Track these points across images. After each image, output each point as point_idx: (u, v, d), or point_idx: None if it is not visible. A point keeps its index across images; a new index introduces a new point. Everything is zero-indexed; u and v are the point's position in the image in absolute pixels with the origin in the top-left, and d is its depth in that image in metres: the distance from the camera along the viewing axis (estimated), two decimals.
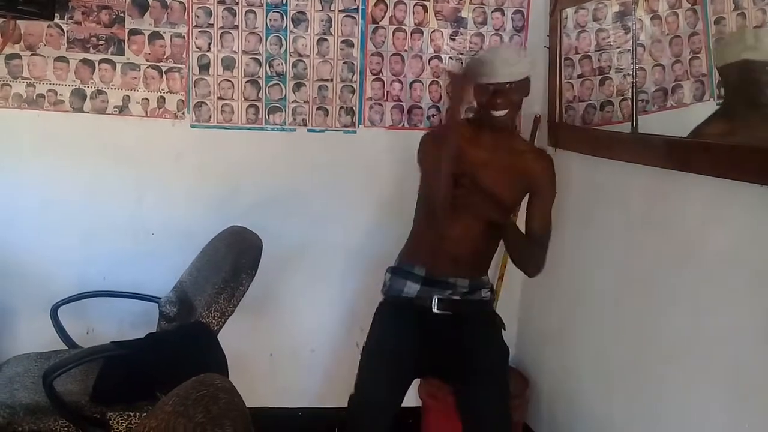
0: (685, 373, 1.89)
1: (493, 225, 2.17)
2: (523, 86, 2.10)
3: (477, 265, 2.27)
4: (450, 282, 2.21)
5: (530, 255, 2.22)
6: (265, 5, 2.69)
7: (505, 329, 2.32)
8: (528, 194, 2.21)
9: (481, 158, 2.14)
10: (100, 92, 2.65)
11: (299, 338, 2.94)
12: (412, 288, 2.22)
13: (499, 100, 2.05)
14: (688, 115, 2.06)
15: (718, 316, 1.77)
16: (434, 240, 2.19)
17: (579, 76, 2.57)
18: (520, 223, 2.24)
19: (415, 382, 2.55)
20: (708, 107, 2.00)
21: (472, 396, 2.13)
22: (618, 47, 2.40)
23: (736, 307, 1.70)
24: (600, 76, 2.49)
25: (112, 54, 2.64)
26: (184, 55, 2.68)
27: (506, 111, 2.07)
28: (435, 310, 2.20)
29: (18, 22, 2.52)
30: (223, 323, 2.13)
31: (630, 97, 2.22)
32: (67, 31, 2.60)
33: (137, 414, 1.99)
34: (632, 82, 2.20)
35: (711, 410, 1.78)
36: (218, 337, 2.16)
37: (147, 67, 2.67)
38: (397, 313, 2.25)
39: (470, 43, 2.84)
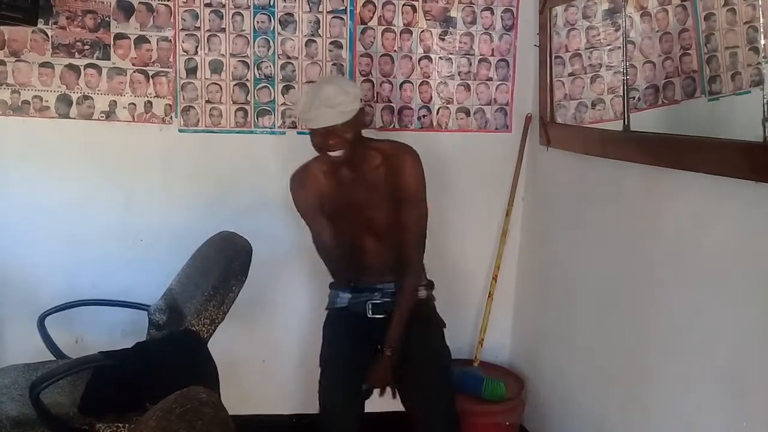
0: (681, 373, 1.88)
1: (396, 227, 2.24)
2: (354, 121, 2.10)
3: (397, 270, 2.29)
4: (378, 287, 2.31)
5: (409, 294, 2.27)
6: (252, 7, 2.66)
7: (445, 326, 2.36)
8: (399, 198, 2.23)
9: (354, 189, 2.22)
10: (86, 98, 2.62)
11: (292, 344, 2.92)
12: (343, 298, 2.34)
13: (330, 141, 2.07)
14: (680, 112, 2.05)
15: (713, 315, 1.75)
16: (358, 265, 2.31)
17: (570, 75, 2.55)
18: None
19: None
20: (699, 104, 1.98)
21: (413, 402, 2.22)
22: (608, 45, 2.38)
23: (731, 305, 1.69)
24: (591, 74, 2.47)
25: (97, 59, 2.61)
26: (171, 59, 2.65)
27: (341, 151, 2.09)
28: (369, 314, 2.29)
29: (1, 27, 2.49)
30: (213, 331, 2.10)
31: (621, 94, 2.21)
32: (51, 37, 2.57)
33: (126, 425, 1.96)
34: (623, 80, 2.18)
35: (708, 409, 1.77)
36: (210, 343, 2.14)
37: (133, 72, 2.64)
38: (336, 322, 2.36)
39: (460, 42, 2.82)
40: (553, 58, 2.61)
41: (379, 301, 2.30)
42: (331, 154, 2.10)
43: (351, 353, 2.23)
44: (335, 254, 2.32)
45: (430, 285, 2.40)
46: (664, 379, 1.95)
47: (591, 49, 2.46)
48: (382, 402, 2.23)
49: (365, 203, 2.23)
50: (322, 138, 2.08)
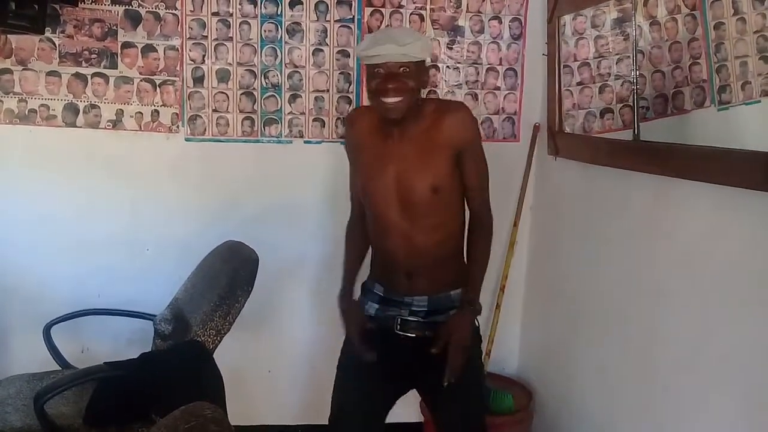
0: (692, 385, 1.85)
1: (442, 219, 1.99)
2: (418, 71, 1.88)
3: (436, 274, 2.01)
4: (406, 301, 2.02)
5: (485, 249, 2.04)
6: (259, 16, 2.66)
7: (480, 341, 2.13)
8: (456, 160, 1.97)
9: (392, 154, 1.95)
10: (93, 106, 2.62)
11: (298, 354, 2.90)
12: (371, 307, 2.08)
13: (390, 85, 1.83)
14: (689, 122, 2.03)
15: (725, 326, 1.73)
16: (385, 253, 2.05)
17: (578, 84, 2.54)
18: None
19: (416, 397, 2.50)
20: (709, 113, 1.97)
21: (444, 423, 2.05)
22: (617, 54, 2.37)
23: (743, 316, 1.66)
24: (599, 84, 2.46)
25: (104, 67, 2.61)
26: (178, 68, 2.65)
27: (399, 99, 1.84)
28: (396, 330, 2.02)
29: (8, 36, 2.50)
30: (219, 341, 2.09)
31: (630, 104, 2.19)
32: (58, 45, 2.57)
33: None
34: (633, 89, 2.16)
35: (723, 424, 1.74)
36: (216, 354, 2.12)
37: (140, 81, 2.64)
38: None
39: (467, 51, 2.81)
40: (561, 67, 2.60)
41: (408, 318, 2.02)
42: (387, 101, 1.84)
43: (375, 363, 1.98)
44: (359, 212, 2.12)
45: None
46: (676, 393, 1.93)
47: (599, 59, 2.45)
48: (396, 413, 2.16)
49: (403, 169, 1.94)
50: (382, 79, 1.83)
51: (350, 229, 2.19)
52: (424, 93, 2.11)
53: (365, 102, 2.72)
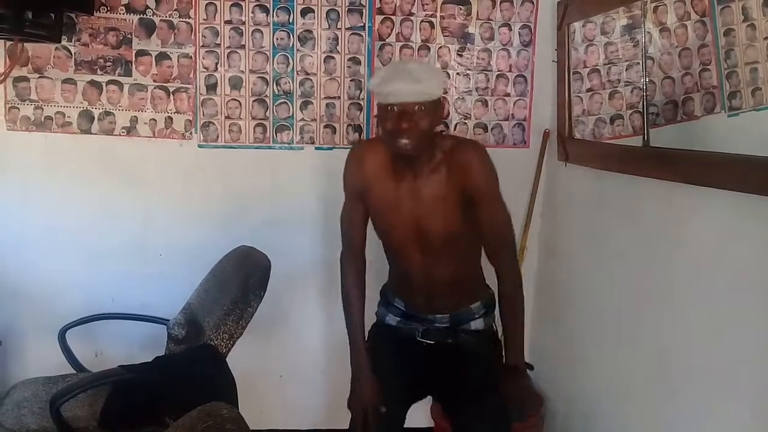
0: (705, 391, 1.85)
1: (460, 251, 1.97)
2: (434, 110, 1.81)
3: (456, 297, 2.03)
4: (429, 318, 2.04)
5: (516, 306, 1.99)
6: (271, 24, 2.69)
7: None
8: (470, 200, 1.90)
9: (406, 193, 1.91)
10: (107, 113, 2.65)
11: (309, 359, 2.91)
12: (393, 319, 2.11)
13: (404, 124, 1.75)
14: (699, 128, 2.04)
15: (735, 331, 1.73)
16: (403, 279, 2.07)
17: (588, 90, 2.55)
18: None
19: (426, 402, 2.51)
20: (719, 119, 1.97)
21: (464, 426, 1.98)
22: (627, 60, 2.38)
23: (754, 321, 1.66)
24: (609, 90, 2.47)
25: (119, 75, 2.64)
26: (191, 75, 2.68)
27: (413, 140, 1.78)
28: (419, 338, 2.04)
29: (25, 44, 2.53)
30: (232, 345, 2.11)
31: (640, 110, 2.20)
32: (74, 53, 2.61)
33: None
34: (643, 95, 2.17)
35: (731, 426, 1.74)
36: (228, 358, 2.14)
37: (154, 88, 2.67)
38: (382, 339, 2.13)
39: (477, 58, 2.82)
40: (571, 73, 2.61)
41: (434, 328, 2.04)
42: (401, 142, 1.78)
43: (397, 369, 2.01)
44: (355, 239, 2.06)
45: (487, 313, 2.08)
46: (687, 398, 1.92)
47: (609, 65, 2.46)
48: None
49: (419, 210, 1.91)
50: (396, 119, 1.77)
51: (346, 277, 2.09)
52: None
53: (376, 110, 2.76)
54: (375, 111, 2.76)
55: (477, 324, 2.05)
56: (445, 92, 2.79)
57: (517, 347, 1.97)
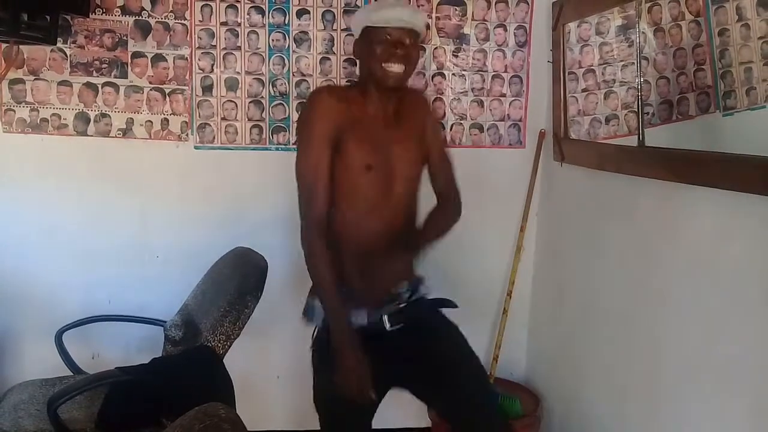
0: (701, 391, 1.86)
1: (414, 200, 1.97)
2: (417, 47, 1.86)
3: (409, 258, 1.94)
4: (394, 294, 1.92)
5: (452, 221, 2.02)
6: (267, 26, 2.69)
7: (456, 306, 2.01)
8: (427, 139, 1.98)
9: (384, 134, 1.87)
10: (103, 115, 2.65)
11: (306, 360, 2.89)
12: (360, 317, 1.88)
13: (399, 51, 1.78)
14: (694, 128, 2.04)
15: (731, 331, 1.73)
16: (363, 255, 1.86)
17: (583, 90, 2.56)
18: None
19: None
20: (714, 119, 1.98)
21: (458, 416, 1.92)
22: (621, 60, 2.39)
23: (749, 321, 1.67)
24: (604, 90, 2.48)
25: (115, 77, 2.64)
26: (187, 77, 2.68)
27: (403, 67, 1.80)
28: (388, 328, 1.90)
29: (21, 47, 2.53)
30: (229, 346, 2.11)
31: (636, 110, 2.21)
32: (70, 55, 2.61)
33: None
34: (638, 95, 2.18)
35: (727, 426, 1.75)
36: (225, 360, 2.14)
37: (150, 90, 2.67)
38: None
39: (473, 59, 2.83)
40: (566, 74, 2.62)
41: (397, 310, 1.91)
42: (392, 68, 1.78)
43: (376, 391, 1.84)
44: (320, 198, 1.84)
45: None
46: (683, 398, 1.93)
47: (604, 65, 2.46)
48: (399, 419, 2.13)
49: (397, 152, 1.88)
50: (391, 44, 1.78)
51: (319, 257, 1.84)
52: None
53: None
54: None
55: (425, 289, 2.01)
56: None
57: (425, 240, 1.91)
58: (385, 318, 1.90)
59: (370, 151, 1.85)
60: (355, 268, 1.88)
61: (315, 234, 1.84)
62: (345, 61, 2.75)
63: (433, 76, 2.82)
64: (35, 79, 2.60)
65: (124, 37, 2.62)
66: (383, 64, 1.80)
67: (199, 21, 2.66)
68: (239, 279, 2.19)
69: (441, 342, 1.96)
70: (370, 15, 1.83)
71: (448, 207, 2.07)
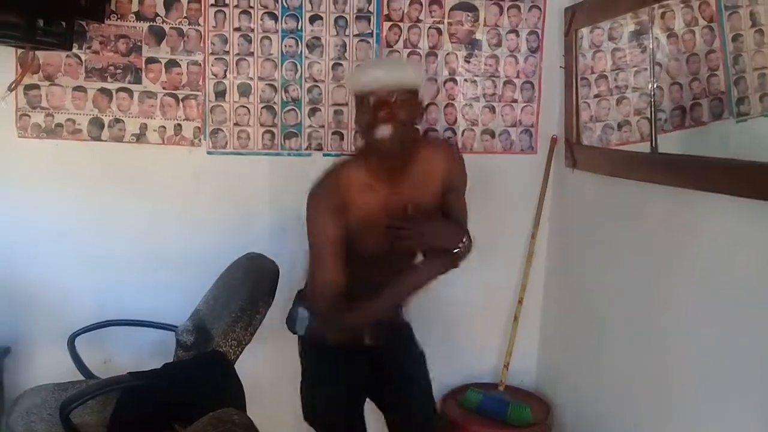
0: (713, 399, 1.85)
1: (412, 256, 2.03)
2: (411, 102, 1.79)
3: None
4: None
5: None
6: (280, 32, 2.70)
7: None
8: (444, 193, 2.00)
9: (388, 199, 1.88)
10: (117, 121, 2.67)
11: None
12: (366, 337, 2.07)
13: (381, 113, 1.72)
14: (707, 134, 2.03)
15: (743, 337, 1.72)
16: (364, 282, 1.89)
17: (595, 96, 2.55)
18: None
19: None
20: (727, 125, 1.97)
21: (400, 404, 2.15)
22: (634, 66, 2.38)
23: (762, 328, 1.66)
24: (617, 96, 2.47)
25: (129, 83, 2.65)
26: (200, 83, 2.69)
27: (391, 128, 1.73)
28: (368, 342, 2.06)
29: (36, 52, 2.54)
30: (240, 352, 2.11)
31: (648, 116, 2.20)
32: (85, 61, 2.62)
33: None
34: (651, 101, 2.17)
35: None
36: (236, 365, 2.14)
37: (164, 95, 2.68)
38: (327, 356, 2.12)
39: (485, 64, 2.83)
40: (578, 79, 2.61)
41: (378, 328, 2.05)
42: (378, 133, 1.74)
43: (347, 378, 2.07)
44: (339, 292, 1.88)
45: None
46: (697, 406, 1.92)
47: (617, 71, 2.46)
48: None
49: (414, 206, 1.90)
50: (373, 109, 1.73)
51: (336, 302, 1.89)
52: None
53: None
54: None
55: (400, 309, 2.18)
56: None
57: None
58: (365, 331, 2.06)
59: (371, 222, 1.88)
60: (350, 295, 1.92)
61: (332, 307, 1.90)
62: (357, 67, 2.76)
63: (444, 82, 2.82)
64: (50, 84, 2.62)
65: (139, 43, 2.64)
66: (371, 131, 1.76)
67: (213, 27, 2.67)
68: (251, 284, 2.20)
69: (405, 359, 2.17)
70: (354, 81, 1.83)
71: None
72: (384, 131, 1.74)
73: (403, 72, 1.79)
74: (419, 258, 2.02)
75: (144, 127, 2.68)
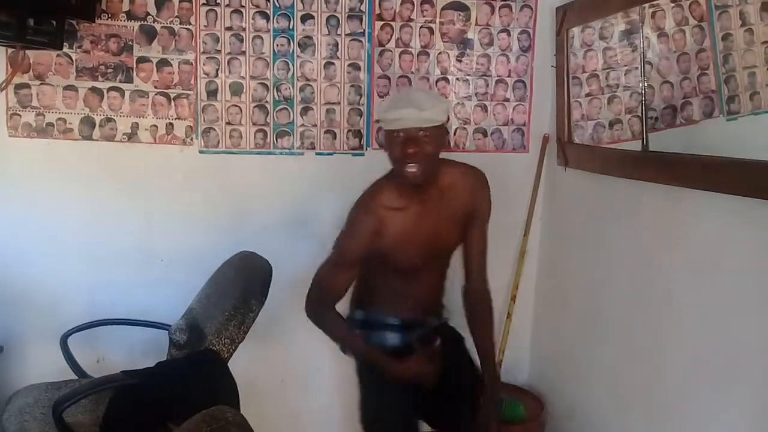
0: (704, 395, 1.86)
1: (450, 258, 2.21)
2: (438, 135, 1.94)
3: (441, 302, 2.28)
4: (425, 320, 2.21)
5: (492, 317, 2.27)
6: (272, 31, 2.70)
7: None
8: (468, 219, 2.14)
9: (420, 219, 2.03)
10: (108, 120, 2.66)
11: (311, 364, 2.91)
12: (394, 338, 2.17)
13: (410, 149, 1.87)
14: (698, 132, 2.05)
15: (735, 334, 1.74)
16: (401, 294, 2.15)
17: (587, 95, 2.56)
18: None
19: None
20: (718, 124, 1.99)
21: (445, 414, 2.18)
22: (625, 65, 2.39)
23: (753, 325, 1.67)
24: (608, 95, 2.48)
25: (120, 82, 2.65)
26: (192, 82, 2.69)
27: (418, 165, 1.90)
28: (418, 347, 2.13)
29: (27, 51, 2.53)
30: (234, 350, 2.11)
31: (639, 114, 2.21)
32: (75, 60, 2.61)
33: None
34: (642, 100, 2.18)
35: (731, 430, 1.75)
36: (229, 364, 2.14)
37: (155, 94, 2.68)
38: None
39: (477, 64, 2.84)
40: (570, 78, 2.62)
41: (426, 334, 2.18)
42: (408, 168, 1.90)
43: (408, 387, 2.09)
44: (335, 301, 2.12)
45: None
46: (687, 402, 1.93)
47: (608, 70, 2.47)
48: None
49: (436, 233, 2.06)
50: (402, 144, 1.88)
51: (329, 306, 2.12)
52: None
53: (376, 115, 2.77)
54: (375, 117, 2.77)
55: (445, 317, 2.28)
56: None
57: (491, 362, 2.22)
58: (416, 338, 2.14)
59: (404, 242, 2.02)
60: (389, 304, 2.16)
61: (326, 309, 2.12)
62: (349, 65, 2.76)
63: (436, 81, 2.83)
64: (41, 83, 2.61)
65: (130, 42, 2.63)
66: (401, 166, 1.93)
67: (204, 26, 2.67)
68: (244, 283, 2.20)
69: (457, 372, 2.18)
70: (383, 115, 1.92)
71: (484, 311, 2.24)
72: (412, 168, 1.91)
73: (431, 111, 1.88)
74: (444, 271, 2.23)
75: (135, 126, 2.67)
